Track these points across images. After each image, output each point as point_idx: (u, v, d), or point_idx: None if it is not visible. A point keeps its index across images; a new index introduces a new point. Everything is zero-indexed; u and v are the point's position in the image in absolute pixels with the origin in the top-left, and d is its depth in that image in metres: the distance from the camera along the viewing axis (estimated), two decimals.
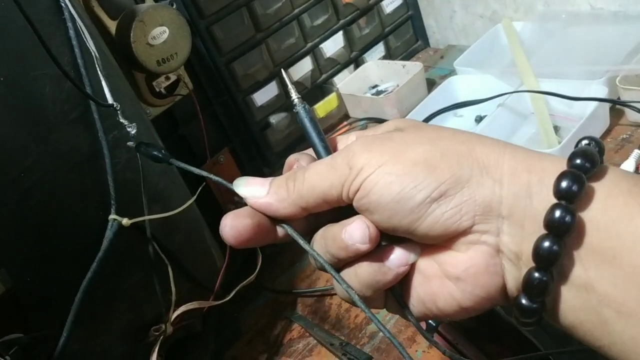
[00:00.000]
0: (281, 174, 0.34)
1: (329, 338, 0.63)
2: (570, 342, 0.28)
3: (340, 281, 0.31)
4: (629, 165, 0.67)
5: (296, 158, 0.34)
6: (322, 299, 0.70)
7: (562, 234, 0.25)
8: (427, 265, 0.31)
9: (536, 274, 0.26)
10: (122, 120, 0.48)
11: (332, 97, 1.01)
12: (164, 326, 0.53)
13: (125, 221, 0.47)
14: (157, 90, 0.67)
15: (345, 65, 1.04)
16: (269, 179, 0.32)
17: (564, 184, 0.25)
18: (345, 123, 1.02)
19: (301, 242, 0.31)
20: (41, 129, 0.45)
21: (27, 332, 0.43)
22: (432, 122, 0.87)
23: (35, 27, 0.41)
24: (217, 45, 0.85)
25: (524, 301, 0.27)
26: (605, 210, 0.25)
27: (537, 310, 0.27)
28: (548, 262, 0.26)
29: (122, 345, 0.53)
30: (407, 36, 1.13)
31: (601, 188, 0.26)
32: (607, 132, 0.75)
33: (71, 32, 0.46)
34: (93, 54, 0.47)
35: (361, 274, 0.31)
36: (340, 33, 1.02)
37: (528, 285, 0.26)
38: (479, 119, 0.86)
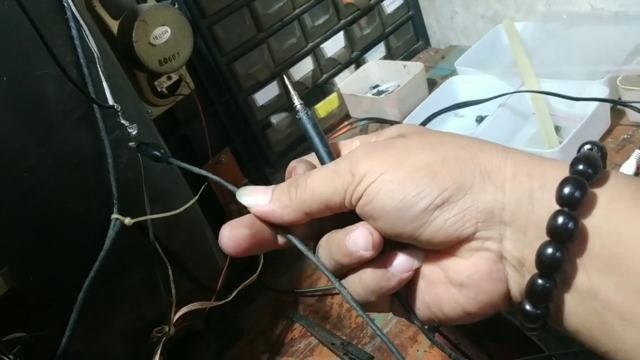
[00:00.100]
0: (282, 173, 0.34)
1: (330, 338, 0.63)
2: (573, 343, 0.28)
3: (340, 289, 0.31)
4: (630, 165, 0.67)
5: (293, 166, 0.34)
6: (323, 299, 0.70)
7: (564, 241, 0.25)
8: (431, 271, 0.31)
9: (539, 281, 0.26)
10: (122, 121, 0.48)
11: (333, 97, 1.01)
12: (166, 327, 0.53)
13: (128, 220, 0.47)
14: (159, 90, 0.67)
15: (346, 65, 1.04)
16: (272, 187, 0.33)
17: (566, 190, 0.25)
18: (346, 123, 1.02)
19: (305, 251, 0.32)
20: (43, 129, 0.45)
21: (29, 331, 0.43)
22: (433, 122, 0.87)
23: (38, 27, 0.42)
24: (219, 45, 0.85)
25: (527, 307, 0.27)
26: (608, 216, 0.25)
27: (541, 316, 0.27)
28: (551, 269, 0.26)
29: (124, 345, 0.53)
30: (408, 36, 1.14)
31: (603, 194, 0.26)
32: (608, 133, 0.75)
33: (74, 32, 0.46)
34: (95, 54, 0.47)
35: (365, 280, 0.31)
36: (341, 33, 1.02)
37: (531, 291, 0.26)
38: (480, 119, 0.86)
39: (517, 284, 0.29)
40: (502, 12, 1.03)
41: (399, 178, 0.28)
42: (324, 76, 1.02)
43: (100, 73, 0.47)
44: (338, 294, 0.70)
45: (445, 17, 1.13)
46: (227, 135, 0.86)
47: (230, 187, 0.34)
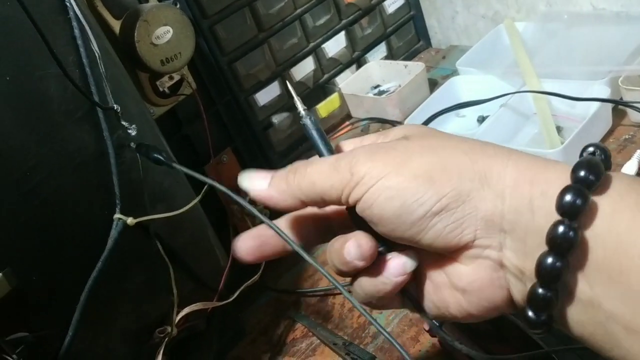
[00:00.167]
0: None
1: (332, 338, 0.63)
2: (574, 340, 0.28)
3: (341, 289, 0.32)
4: (631, 165, 0.67)
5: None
6: (325, 299, 0.70)
7: (565, 252, 0.25)
8: (437, 275, 0.32)
9: (540, 290, 0.26)
10: (122, 122, 0.48)
11: (334, 97, 1.01)
12: (168, 328, 0.53)
13: (130, 220, 0.47)
14: (161, 90, 0.67)
15: (347, 65, 1.04)
16: (272, 172, 0.33)
17: (567, 199, 0.25)
18: (347, 123, 1.02)
19: (308, 258, 0.32)
20: (46, 129, 0.45)
21: (31, 331, 0.43)
22: (434, 122, 0.87)
23: (40, 27, 0.42)
24: (220, 45, 0.85)
25: (530, 314, 0.27)
26: (611, 226, 0.25)
27: (544, 322, 0.27)
28: (551, 279, 0.25)
29: (127, 345, 0.53)
30: (409, 36, 1.14)
31: (607, 201, 0.25)
32: (610, 133, 0.75)
33: (76, 32, 0.46)
34: (97, 54, 0.47)
35: (364, 285, 0.32)
36: (343, 33, 1.02)
37: (532, 301, 0.26)
38: (482, 119, 0.86)
39: (519, 291, 0.29)
40: (503, 12, 1.03)
41: (397, 184, 0.28)
42: (325, 76, 1.02)
43: (102, 73, 0.47)
44: (340, 294, 0.70)
45: (446, 17, 1.13)
46: (228, 135, 0.86)
47: (235, 196, 0.35)
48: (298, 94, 0.36)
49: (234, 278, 0.63)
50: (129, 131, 0.49)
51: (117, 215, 0.47)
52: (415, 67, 0.98)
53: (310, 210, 0.34)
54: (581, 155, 0.27)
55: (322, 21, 0.98)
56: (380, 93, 1.02)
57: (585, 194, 0.25)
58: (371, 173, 0.29)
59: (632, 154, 0.69)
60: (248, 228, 0.39)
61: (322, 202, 0.31)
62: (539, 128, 0.78)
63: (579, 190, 0.25)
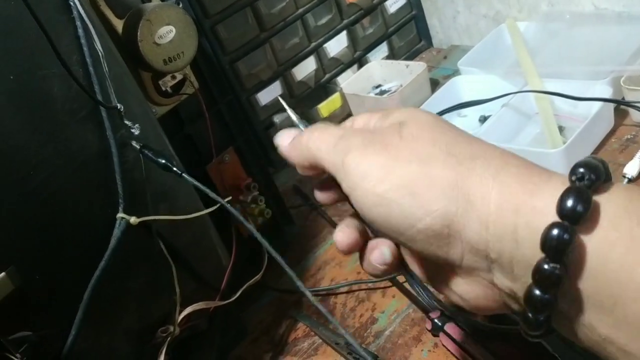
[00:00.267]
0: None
1: (334, 337, 0.63)
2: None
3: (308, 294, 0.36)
4: (633, 165, 0.67)
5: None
6: (327, 298, 0.70)
7: (553, 286, 0.24)
8: (437, 274, 0.32)
9: (531, 315, 0.25)
10: (126, 121, 0.48)
11: (336, 96, 1.01)
12: (171, 327, 0.53)
13: (133, 219, 0.47)
14: (163, 89, 0.67)
15: (348, 65, 1.04)
16: (299, 131, 0.36)
17: (553, 234, 0.24)
18: None
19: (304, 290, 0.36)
20: (49, 128, 0.45)
21: (34, 330, 0.43)
22: None
23: (44, 27, 0.42)
24: (222, 44, 0.85)
25: (528, 331, 0.27)
26: (603, 259, 0.24)
27: (542, 335, 0.26)
28: (542, 310, 0.25)
29: (129, 344, 0.53)
30: (411, 36, 1.14)
31: (597, 235, 0.24)
32: (612, 133, 0.75)
33: (80, 31, 0.46)
34: (100, 53, 0.47)
35: (363, 264, 0.34)
36: (344, 33, 1.02)
37: (526, 322, 0.26)
38: (483, 119, 0.86)
39: (515, 306, 0.29)
40: (504, 12, 1.03)
41: (383, 192, 0.29)
42: (327, 76, 1.02)
43: (106, 72, 0.47)
44: (342, 293, 0.70)
45: (447, 17, 1.13)
46: (230, 134, 0.86)
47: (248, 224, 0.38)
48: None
49: (236, 278, 0.63)
50: (132, 130, 0.49)
51: (120, 215, 0.47)
52: (417, 67, 0.98)
53: None
54: (571, 173, 0.25)
55: (323, 21, 0.98)
56: (382, 93, 1.02)
57: (572, 231, 0.23)
58: (357, 171, 0.29)
59: (634, 154, 0.69)
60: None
61: (318, 170, 0.33)
62: (541, 128, 0.78)
63: (564, 228, 0.23)
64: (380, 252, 0.32)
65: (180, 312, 0.54)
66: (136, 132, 0.49)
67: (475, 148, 0.29)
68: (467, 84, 0.91)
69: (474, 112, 0.89)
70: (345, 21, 1.01)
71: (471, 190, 0.27)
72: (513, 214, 0.26)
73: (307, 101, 0.99)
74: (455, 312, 0.56)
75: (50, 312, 0.46)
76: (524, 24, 0.97)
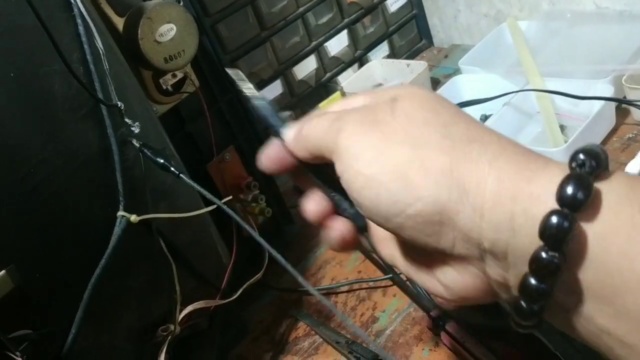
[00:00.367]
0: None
1: (334, 336, 0.63)
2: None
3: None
4: (635, 164, 0.67)
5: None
6: (327, 298, 0.70)
7: (549, 276, 0.23)
8: (422, 263, 0.31)
9: (525, 305, 0.25)
10: (126, 119, 0.48)
11: (337, 95, 1.00)
12: (171, 326, 0.53)
13: (134, 218, 0.47)
14: (164, 87, 0.66)
15: (349, 64, 1.04)
16: (301, 124, 0.34)
17: (552, 222, 0.23)
18: None
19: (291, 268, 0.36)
20: (50, 126, 0.45)
21: (34, 328, 0.43)
22: None
23: (45, 24, 0.41)
24: (222, 43, 0.85)
25: (520, 321, 0.26)
26: (603, 249, 0.23)
27: (534, 326, 0.26)
28: (537, 299, 0.24)
29: (129, 343, 0.53)
30: (411, 35, 1.13)
31: (597, 224, 0.23)
32: (613, 132, 0.75)
33: (80, 29, 0.46)
34: (100, 51, 0.47)
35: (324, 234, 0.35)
36: (345, 32, 1.01)
37: (518, 314, 0.25)
38: (484, 118, 0.86)
39: (505, 295, 0.28)
40: (505, 11, 1.03)
41: (372, 175, 0.27)
42: (328, 75, 1.02)
43: (106, 70, 0.47)
44: (342, 292, 0.70)
45: (448, 16, 1.13)
46: (231, 133, 0.86)
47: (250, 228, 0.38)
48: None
49: (236, 276, 0.63)
50: (133, 129, 0.49)
51: (120, 213, 0.47)
52: (418, 66, 0.98)
53: None
54: (571, 159, 0.24)
55: (324, 20, 0.98)
56: None
57: (572, 218, 0.23)
58: (349, 151, 0.29)
59: (635, 152, 0.69)
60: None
61: (322, 159, 0.31)
62: (542, 127, 0.78)
63: (564, 215, 0.23)
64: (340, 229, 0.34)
65: (181, 310, 0.54)
66: (136, 130, 0.49)
67: (472, 131, 0.28)
68: (468, 83, 0.91)
69: (475, 111, 0.88)
70: (346, 20, 1.01)
71: (466, 177, 0.26)
72: (510, 201, 0.25)
73: (307, 100, 0.99)
74: (456, 311, 0.56)
75: (50, 311, 0.46)
76: (525, 23, 0.97)
